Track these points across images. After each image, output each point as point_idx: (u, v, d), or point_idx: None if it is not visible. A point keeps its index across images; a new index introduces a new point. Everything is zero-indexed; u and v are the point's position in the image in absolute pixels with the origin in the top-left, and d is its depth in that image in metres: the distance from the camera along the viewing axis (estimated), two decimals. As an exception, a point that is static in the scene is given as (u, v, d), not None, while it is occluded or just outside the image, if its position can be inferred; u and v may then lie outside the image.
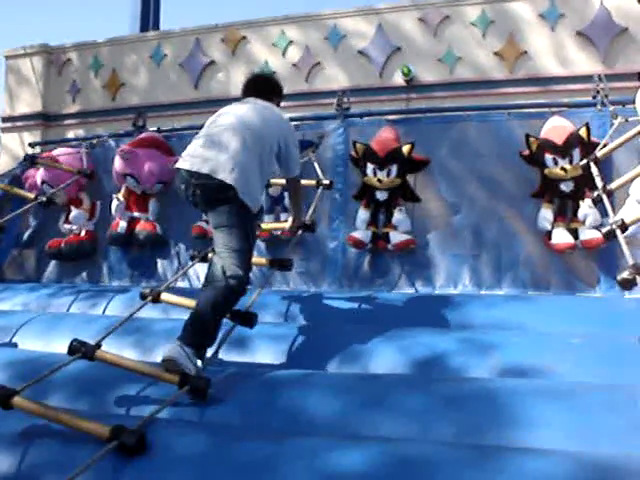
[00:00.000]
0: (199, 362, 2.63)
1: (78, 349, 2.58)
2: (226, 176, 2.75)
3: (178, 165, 2.93)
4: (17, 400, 2.28)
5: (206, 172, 2.78)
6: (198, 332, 2.62)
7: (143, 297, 3.14)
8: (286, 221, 4.40)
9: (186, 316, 3.53)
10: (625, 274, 2.67)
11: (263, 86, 3.37)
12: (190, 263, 3.84)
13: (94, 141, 5.54)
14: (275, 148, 3.05)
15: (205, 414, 2.42)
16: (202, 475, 1.98)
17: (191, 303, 3.13)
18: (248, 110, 3.07)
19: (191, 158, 2.89)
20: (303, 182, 3.63)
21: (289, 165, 3.21)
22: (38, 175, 5.42)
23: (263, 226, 4.10)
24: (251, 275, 4.48)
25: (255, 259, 3.71)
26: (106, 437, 2.07)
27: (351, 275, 4.49)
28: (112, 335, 2.78)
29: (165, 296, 3.17)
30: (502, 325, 3.27)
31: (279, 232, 4.37)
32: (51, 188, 5.23)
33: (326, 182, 4.24)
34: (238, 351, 3.04)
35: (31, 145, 6.11)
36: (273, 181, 4.01)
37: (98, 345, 2.61)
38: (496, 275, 4.23)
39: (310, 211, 3.91)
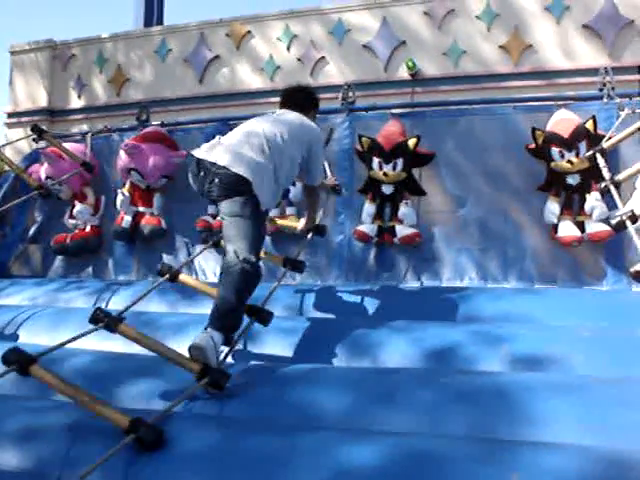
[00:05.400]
0: (223, 352, 2.65)
1: (101, 319, 2.50)
2: (243, 170, 2.84)
3: (198, 155, 2.98)
4: (35, 368, 2.22)
5: (223, 164, 2.86)
6: (225, 316, 2.66)
7: (161, 274, 3.15)
8: (297, 218, 4.40)
9: (194, 309, 3.58)
10: (638, 266, 2.64)
11: (298, 98, 3.47)
12: (202, 246, 3.81)
13: (100, 128, 5.54)
14: (298, 159, 3.17)
15: (220, 408, 2.41)
16: (216, 470, 1.97)
17: (207, 287, 3.17)
18: (275, 121, 3.18)
19: (211, 150, 2.98)
20: None
21: (310, 174, 3.35)
22: (42, 170, 5.42)
23: (278, 221, 4.10)
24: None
25: (270, 257, 3.72)
26: (125, 428, 2.04)
27: (357, 269, 4.49)
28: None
29: (183, 277, 3.19)
30: (510, 318, 3.26)
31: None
32: (56, 183, 5.22)
33: (338, 188, 4.18)
34: (248, 343, 3.05)
35: (35, 140, 6.09)
36: None
37: (121, 318, 2.55)
38: (502, 268, 4.22)
39: (320, 215, 3.92)
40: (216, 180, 2.88)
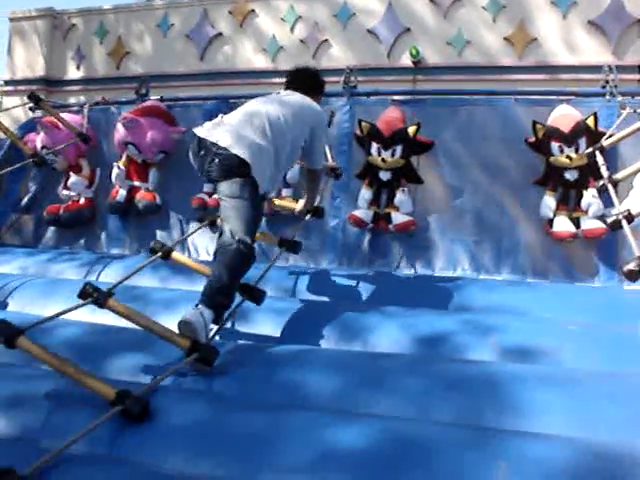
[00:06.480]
0: (213, 329, 2.64)
1: (90, 294, 2.46)
2: (243, 152, 2.82)
3: (200, 134, 2.96)
4: (22, 340, 2.19)
5: (224, 145, 2.84)
6: (217, 294, 2.65)
7: (154, 251, 3.14)
8: (291, 199, 4.38)
9: (186, 285, 3.57)
10: (631, 265, 2.63)
11: (305, 80, 3.43)
12: (197, 225, 3.80)
13: (98, 99, 5.49)
14: (301, 141, 3.15)
15: (207, 384, 2.42)
16: (201, 444, 1.97)
17: (199, 266, 3.16)
18: (279, 102, 3.14)
19: (213, 129, 2.95)
20: None
21: (312, 158, 3.32)
22: (38, 139, 5.37)
23: (275, 202, 4.07)
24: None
25: (266, 237, 3.71)
26: (111, 400, 2.04)
27: (351, 254, 4.48)
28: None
29: (176, 255, 3.18)
30: (501, 310, 3.26)
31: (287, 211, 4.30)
32: (51, 153, 5.18)
33: (339, 172, 4.14)
34: (238, 322, 3.04)
35: (32, 109, 6.03)
36: None
37: (110, 293, 2.52)
38: (496, 260, 4.23)
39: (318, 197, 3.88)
40: (216, 160, 2.86)
